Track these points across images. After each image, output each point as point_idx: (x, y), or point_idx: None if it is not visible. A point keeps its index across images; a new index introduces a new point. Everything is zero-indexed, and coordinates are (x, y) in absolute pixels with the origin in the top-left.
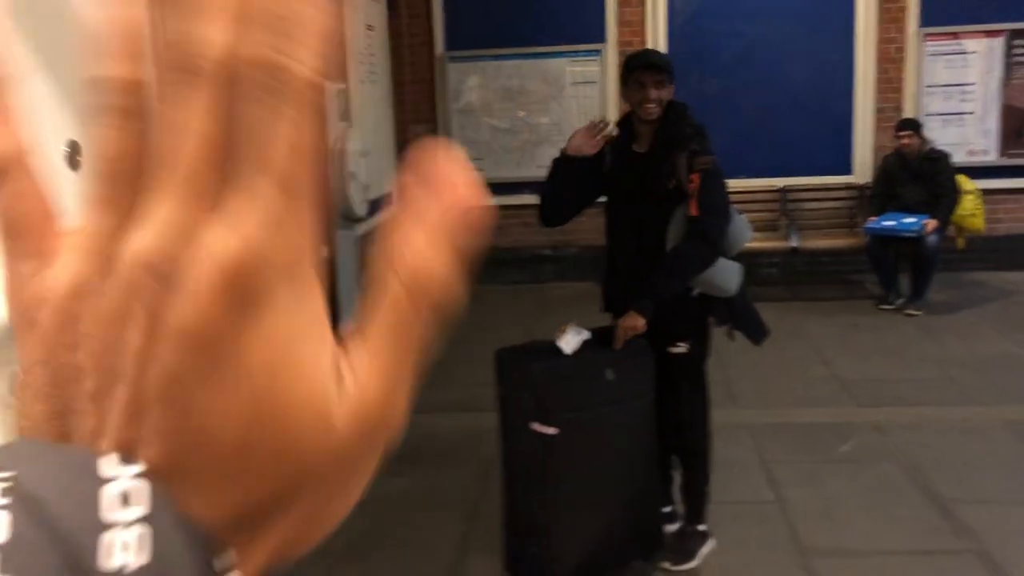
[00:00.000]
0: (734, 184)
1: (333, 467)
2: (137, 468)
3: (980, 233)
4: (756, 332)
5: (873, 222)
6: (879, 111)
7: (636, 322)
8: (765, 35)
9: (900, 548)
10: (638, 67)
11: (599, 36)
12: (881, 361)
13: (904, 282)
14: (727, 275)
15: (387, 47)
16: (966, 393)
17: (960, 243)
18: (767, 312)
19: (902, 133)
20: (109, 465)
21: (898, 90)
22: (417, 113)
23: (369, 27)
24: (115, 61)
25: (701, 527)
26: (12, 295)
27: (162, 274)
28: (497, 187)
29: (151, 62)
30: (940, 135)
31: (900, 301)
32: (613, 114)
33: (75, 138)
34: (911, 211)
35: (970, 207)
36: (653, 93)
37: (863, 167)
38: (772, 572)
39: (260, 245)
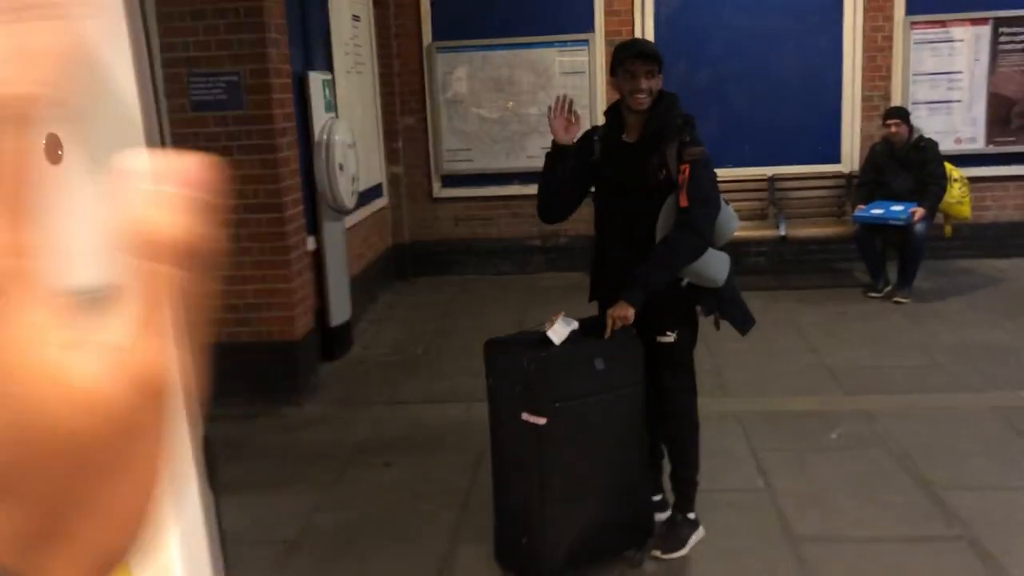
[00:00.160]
0: (722, 173)
1: (104, 426)
2: None
3: (967, 221)
4: (742, 321)
5: (861, 210)
6: (866, 99)
7: (626, 312)
8: (752, 24)
9: (890, 535)
10: (628, 56)
11: (587, 26)
12: (869, 349)
13: (892, 270)
14: (717, 266)
15: (374, 38)
16: (954, 380)
17: (947, 231)
18: (755, 301)
19: (890, 121)
20: None
21: (886, 78)
22: (405, 104)
23: (355, 17)
24: None
25: (691, 515)
26: None
27: None
28: (486, 178)
29: None
30: (927, 123)
31: (888, 289)
32: (601, 104)
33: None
34: (899, 199)
35: (957, 195)
36: (644, 83)
37: (851, 156)
38: (762, 559)
39: None
